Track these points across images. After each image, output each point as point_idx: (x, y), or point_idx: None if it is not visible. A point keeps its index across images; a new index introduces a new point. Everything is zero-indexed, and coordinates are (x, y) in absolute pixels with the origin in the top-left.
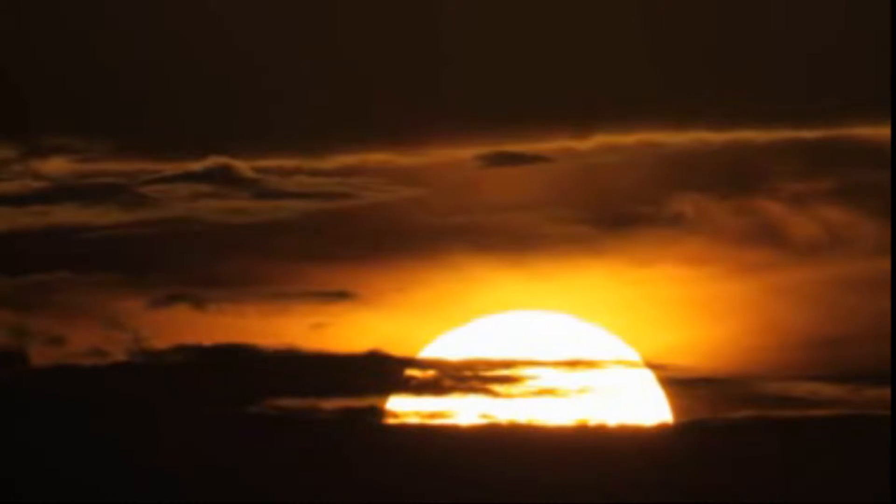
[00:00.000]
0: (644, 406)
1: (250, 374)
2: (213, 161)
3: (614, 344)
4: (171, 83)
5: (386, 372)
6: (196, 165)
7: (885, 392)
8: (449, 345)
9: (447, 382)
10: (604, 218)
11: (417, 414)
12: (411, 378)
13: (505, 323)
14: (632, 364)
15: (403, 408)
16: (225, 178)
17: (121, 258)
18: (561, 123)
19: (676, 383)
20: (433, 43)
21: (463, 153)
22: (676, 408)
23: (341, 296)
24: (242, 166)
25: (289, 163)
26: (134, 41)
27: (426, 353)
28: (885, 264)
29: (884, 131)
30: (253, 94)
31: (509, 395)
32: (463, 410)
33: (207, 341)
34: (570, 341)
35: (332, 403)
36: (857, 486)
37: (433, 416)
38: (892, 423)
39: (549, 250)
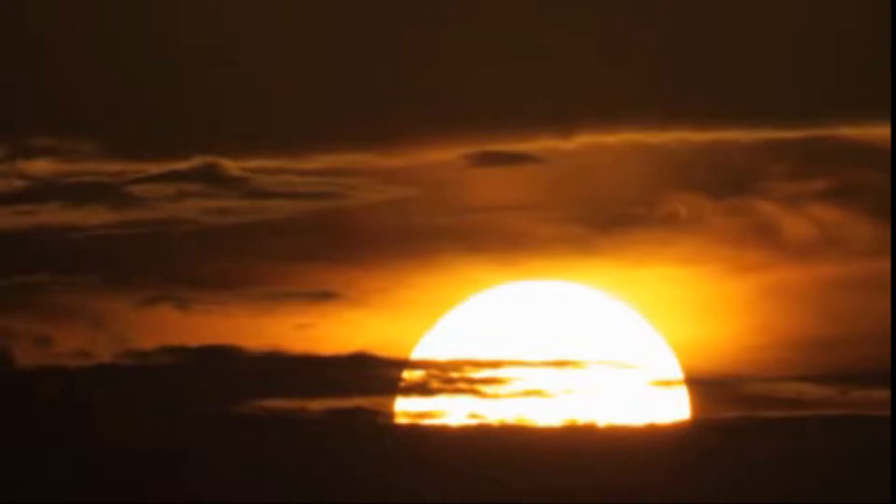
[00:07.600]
0: (636, 406)
1: (236, 375)
2: (199, 160)
3: (618, 309)
4: (157, 82)
5: (373, 373)
6: (182, 165)
7: (882, 393)
8: (437, 344)
9: (435, 383)
10: (595, 218)
11: (405, 414)
12: (399, 379)
13: (498, 300)
14: (623, 365)
15: (391, 408)
16: (211, 178)
17: (106, 259)
18: (543, 123)
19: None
20: (420, 43)
21: (449, 153)
22: (669, 408)
23: (327, 296)
24: (229, 165)
25: (275, 163)
26: (120, 41)
27: (414, 353)
28: (880, 264)
29: (877, 131)
30: (240, 93)
31: (497, 396)
32: (452, 410)
33: (193, 342)
34: (564, 339)
35: (318, 404)
36: (855, 487)
37: (421, 416)
38: (892, 424)
39: (540, 251)
